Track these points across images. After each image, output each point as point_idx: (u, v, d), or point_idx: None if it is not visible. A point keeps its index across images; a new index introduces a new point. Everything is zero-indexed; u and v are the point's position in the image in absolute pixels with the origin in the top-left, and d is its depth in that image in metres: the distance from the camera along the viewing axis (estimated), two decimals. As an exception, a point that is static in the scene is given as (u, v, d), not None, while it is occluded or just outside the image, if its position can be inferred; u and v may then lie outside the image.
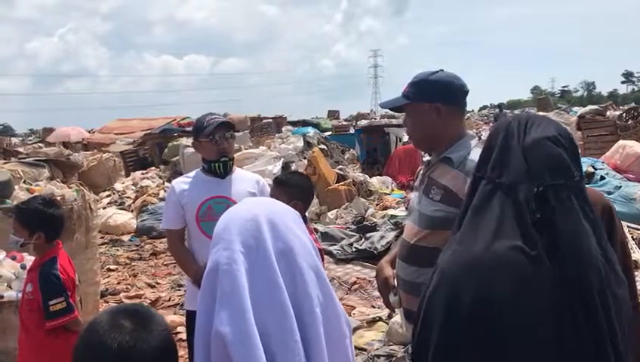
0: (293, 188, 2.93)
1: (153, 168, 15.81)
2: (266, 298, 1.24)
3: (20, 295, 3.52)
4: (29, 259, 3.53)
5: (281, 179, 3.15)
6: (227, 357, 1.21)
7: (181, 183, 3.21)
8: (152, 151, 17.72)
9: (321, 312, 1.28)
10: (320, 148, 13.31)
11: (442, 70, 2.34)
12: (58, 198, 4.50)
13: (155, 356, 1.19)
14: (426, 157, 2.46)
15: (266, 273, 1.25)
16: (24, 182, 6.13)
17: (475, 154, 2.12)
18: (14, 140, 22.03)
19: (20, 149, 15.19)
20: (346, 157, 16.27)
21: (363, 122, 20.81)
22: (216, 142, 3.10)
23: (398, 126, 13.90)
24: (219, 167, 3.14)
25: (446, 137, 2.27)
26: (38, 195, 3.95)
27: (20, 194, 5.13)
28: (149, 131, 20.77)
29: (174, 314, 5.55)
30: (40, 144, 20.52)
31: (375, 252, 6.95)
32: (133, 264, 7.91)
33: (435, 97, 2.26)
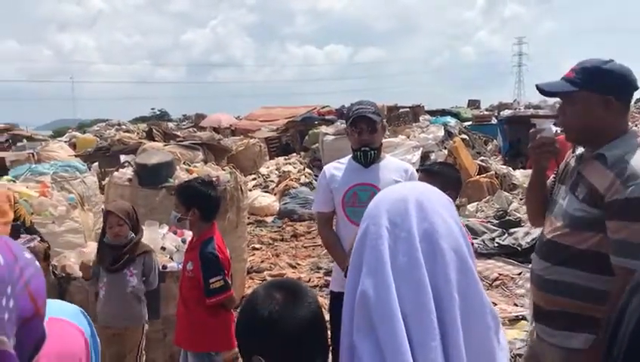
0: (444, 178, 2.89)
1: (294, 154, 16.40)
2: (405, 274, 1.25)
3: (180, 266, 3.85)
4: (189, 234, 3.84)
5: (433, 169, 3.13)
6: (369, 316, 1.24)
7: (332, 168, 3.30)
8: (294, 138, 18.37)
9: (461, 298, 1.26)
10: (461, 139, 12.96)
11: (613, 60, 2.15)
12: (214, 180, 4.83)
13: (302, 326, 1.26)
14: (579, 150, 2.29)
15: (407, 250, 1.26)
16: (183, 163, 6.66)
17: (636, 159, 1.98)
18: (170, 125, 23.97)
19: (177, 133, 16.50)
20: (488, 148, 15.68)
21: (506, 112, 19.89)
22: (357, 132, 3.16)
23: (546, 117, 13.11)
24: (360, 156, 3.19)
25: (607, 133, 2.10)
26: (199, 176, 4.29)
27: (180, 175, 5.59)
28: (291, 119, 21.54)
29: (314, 295, 5.75)
30: (193, 129, 22.15)
31: (519, 248, 6.68)
32: (275, 244, 8.31)
33: (608, 89, 2.08)
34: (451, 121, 17.58)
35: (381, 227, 1.29)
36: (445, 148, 12.17)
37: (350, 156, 3.31)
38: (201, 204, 3.18)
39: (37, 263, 0.79)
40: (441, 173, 2.95)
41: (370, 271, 1.24)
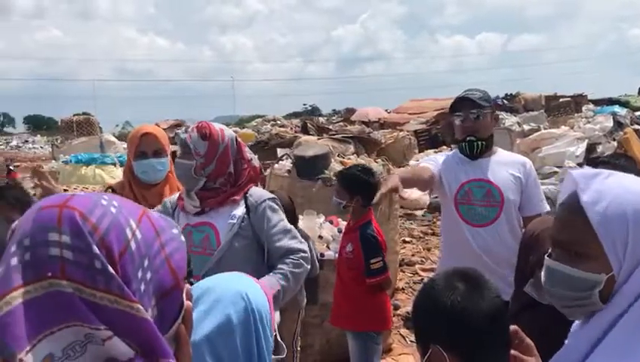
0: (627, 172, 2.61)
1: (444, 147, 16.05)
2: None
3: (336, 254, 3.96)
4: (344, 224, 3.94)
5: (616, 162, 2.74)
6: None
7: (440, 159, 3.11)
8: (445, 130, 17.99)
9: None
10: (633, 130, 11.77)
11: None
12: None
13: (484, 319, 1.22)
14: None
15: None
16: (338, 155, 6.84)
17: None
18: (321, 119, 24.75)
19: (329, 127, 16.98)
20: (665, 140, 14.07)
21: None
22: (460, 120, 2.88)
23: None
24: (464, 147, 2.91)
25: None
26: (358, 164, 4.38)
27: (335, 166, 5.74)
28: (441, 111, 21.12)
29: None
30: (344, 123, 22.62)
31: None
32: (426, 238, 8.22)
33: None
34: (621, 110, 16.01)
35: None
36: (614, 139, 11.13)
37: (457, 148, 3.04)
38: (363, 191, 3.25)
39: (182, 238, 0.82)
40: (624, 167, 2.69)
41: None
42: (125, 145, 13.04)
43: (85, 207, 0.73)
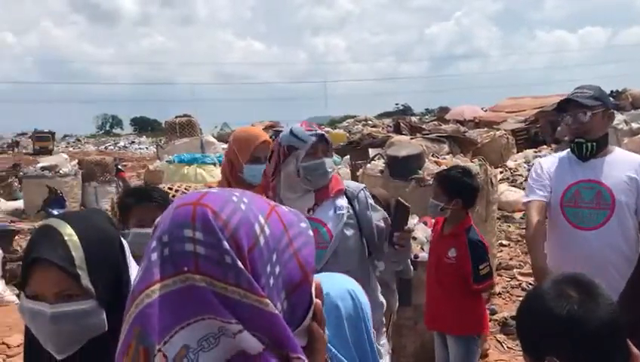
0: None
1: (545, 146, 15.37)
2: None
3: (426, 256, 3.89)
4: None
5: None
6: None
7: (548, 162, 2.98)
8: (544, 129, 17.20)
9: None
10: None
11: None
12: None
13: (602, 328, 1.16)
14: None
15: None
16: (432, 155, 6.73)
17: None
18: (413, 119, 24.44)
19: (423, 126, 16.74)
20: None
21: None
22: (567, 122, 2.78)
23: None
24: (574, 148, 2.79)
25: None
26: (457, 165, 4.29)
27: (429, 166, 5.66)
28: (541, 109, 20.19)
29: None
30: (437, 122, 22.21)
31: None
32: (524, 241, 7.88)
33: None
34: None
35: None
36: None
37: (568, 149, 2.91)
38: (464, 194, 3.19)
39: (310, 232, 0.83)
40: None
41: None
42: (224, 146, 13.57)
43: (217, 204, 0.76)
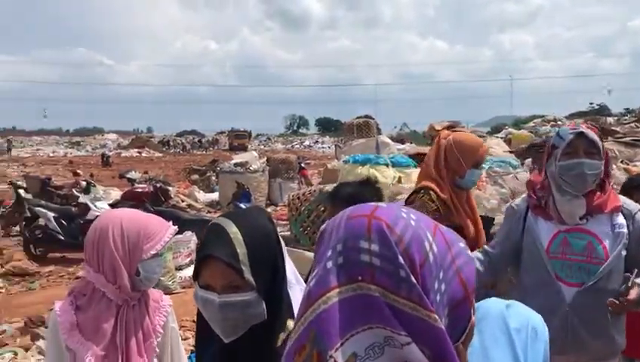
0: None
1: None
2: None
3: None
4: None
5: None
6: None
7: None
8: None
9: None
10: None
11: None
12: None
13: None
14: None
15: None
16: (621, 161, 6.15)
17: None
18: (609, 120, 22.16)
19: (617, 128, 15.19)
20: None
21: None
22: None
23: None
24: None
25: None
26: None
27: (616, 174, 5.20)
28: None
29: None
30: (636, 123, 19.94)
31: None
32: None
33: None
34: None
35: None
36: None
37: None
38: None
39: (468, 252, 0.84)
40: None
41: None
42: (400, 147, 13.69)
43: (390, 218, 0.79)
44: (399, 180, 7.25)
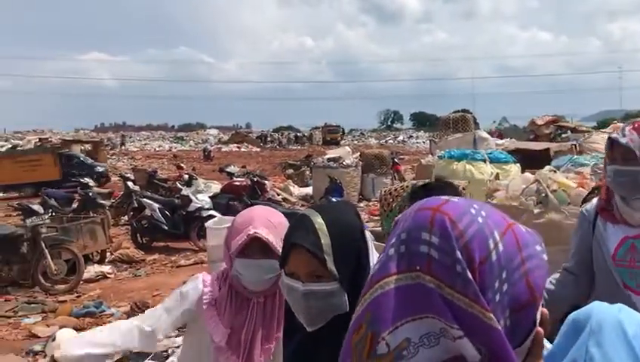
0: None
1: None
2: None
3: None
4: None
5: None
6: None
7: None
8: None
9: None
10: None
11: None
12: None
13: None
14: None
15: None
16: None
17: None
18: None
19: None
20: None
21: None
22: None
23: None
24: None
25: None
26: None
27: None
28: None
29: None
30: None
31: None
32: None
33: None
34: None
35: None
36: None
37: None
38: None
39: (544, 256, 0.81)
40: None
41: None
42: (499, 142, 13.20)
43: (455, 213, 0.80)
44: (497, 176, 6.96)
